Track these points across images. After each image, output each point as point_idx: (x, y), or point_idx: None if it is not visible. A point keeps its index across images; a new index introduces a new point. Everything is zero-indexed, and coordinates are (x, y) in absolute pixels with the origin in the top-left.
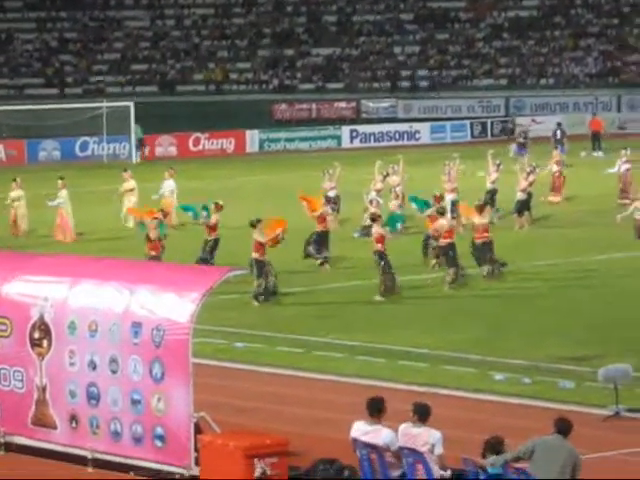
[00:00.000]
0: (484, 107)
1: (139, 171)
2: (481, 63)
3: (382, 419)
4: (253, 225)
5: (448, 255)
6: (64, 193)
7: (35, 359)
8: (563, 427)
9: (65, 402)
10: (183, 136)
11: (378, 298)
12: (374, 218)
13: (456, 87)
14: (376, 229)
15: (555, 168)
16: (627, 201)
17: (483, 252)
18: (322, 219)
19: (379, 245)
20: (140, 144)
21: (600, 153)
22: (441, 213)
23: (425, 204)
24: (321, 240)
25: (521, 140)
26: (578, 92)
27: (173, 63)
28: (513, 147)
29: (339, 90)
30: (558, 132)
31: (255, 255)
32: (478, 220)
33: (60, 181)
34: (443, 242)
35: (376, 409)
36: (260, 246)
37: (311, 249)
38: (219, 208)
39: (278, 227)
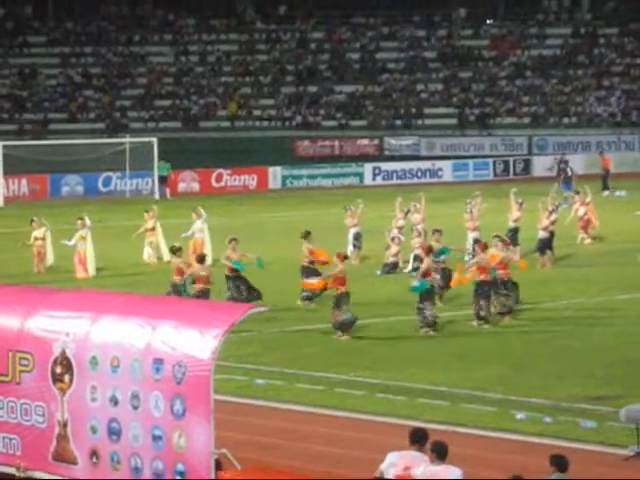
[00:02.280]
0: (507, 145)
1: (163, 208)
2: (504, 101)
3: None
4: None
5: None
6: (83, 232)
7: (57, 394)
8: (561, 464)
9: (86, 437)
10: (206, 172)
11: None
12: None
13: (479, 125)
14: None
15: (582, 211)
16: None
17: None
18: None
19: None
20: (165, 181)
21: (623, 193)
22: (486, 247)
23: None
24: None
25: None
26: (601, 131)
27: (196, 99)
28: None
29: (362, 127)
30: (568, 169)
31: (341, 289)
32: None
33: (79, 221)
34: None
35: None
36: (341, 279)
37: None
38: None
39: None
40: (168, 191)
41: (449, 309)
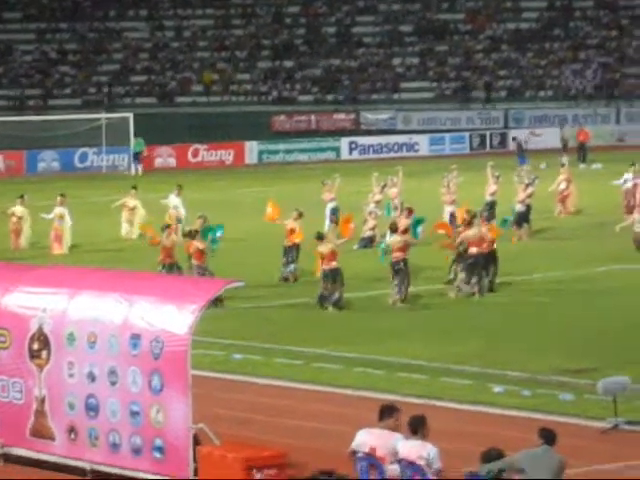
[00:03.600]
0: (483, 119)
1: (139, 183)
2: (480, 75)
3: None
4: (320, 238)
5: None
6: (60, 209)
7: (34, 370)
8: (549, 437)
9: (64, 413)
10: (182, 147)
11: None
12: (394, 229)
13: (455, 99)
14: (399, 238)
15: (563, 186)
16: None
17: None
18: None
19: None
20: (139, 157)
21: (599, 165)
22: (469, 223)
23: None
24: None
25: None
26: (577, 104)
27: (172, 74)
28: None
29: (338, 102)
30: (523, 143)
31: (332, 264)
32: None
33: (59, 197)
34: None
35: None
36: (333, 255)
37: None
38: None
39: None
40: (140, 167)
41: (426, 283)
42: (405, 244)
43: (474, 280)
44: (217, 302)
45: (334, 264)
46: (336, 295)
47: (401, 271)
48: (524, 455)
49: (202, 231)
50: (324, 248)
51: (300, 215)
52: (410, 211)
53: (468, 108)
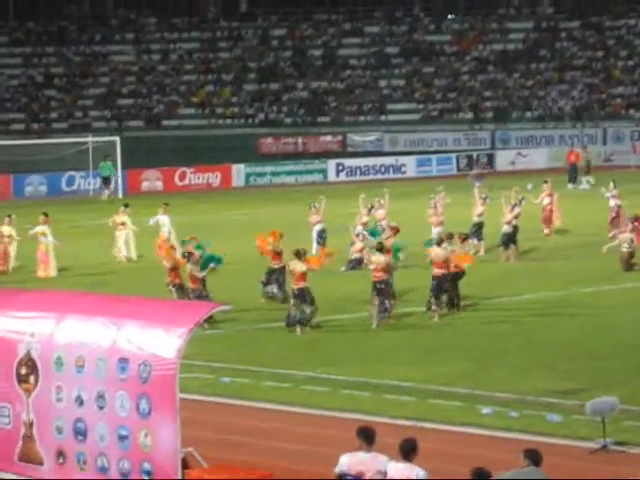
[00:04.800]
0: (470, 140)
1: (108, 209)
2: (466, 96)
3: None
4: (298, 255)
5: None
6: (42, 227)
7: (22, 395)
8: (535, 458)
9: (52, 438)
10: (169, 171)
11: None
12: (380, 248)
13: (442, 120)
14: (383, 259)
15: (547, 201)
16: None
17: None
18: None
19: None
20: (108, 181)
21: (587, 186)
22: (438, 244)
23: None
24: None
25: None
26: (564, 125)
27: (159, 97)
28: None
29: (325, 124)
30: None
31: (300, 284)
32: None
33: (42, 217)
34: (435, 272)
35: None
36: (304, 275)
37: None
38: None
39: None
40: (108, 192)
41: (412, 305)
42: (387, 265)
43: (443, 299)
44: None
45: (302, 284)
46: (305, 313)
47: (382, 291)
48: (512, 475)
49: (205, 260)
50: (297, 267)
51: (280, 236)
52: (396, 230)
53: (455, 129)
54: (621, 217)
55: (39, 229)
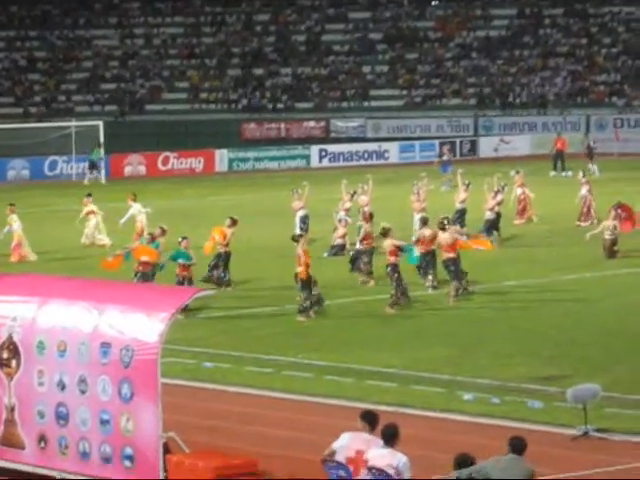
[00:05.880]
0: (453, 127)
1: (103, 192)
2: (450, 83)
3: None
4: (296, 240)
5: (450, 269)
6: (14, 218)
7: (3, 379)
8: (517, 446)
9: (34, 422)
10: (152, 155)
11: (389, 310)
12: (385, 232)
13: (425, 107)
14: (389, 242)
15: (519, 191)
16: (584, 224)
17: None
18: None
19: (392, 258)
20: (96, 165)
21: (570, 173)
22: (442, 228)
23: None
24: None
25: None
26: (547, 112)
27: (142, 82)
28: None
29: (308, 110)
30: (445, 153)
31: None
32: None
33: (9, 206)
34: (446, 256)
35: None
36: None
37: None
38: (163, 232)
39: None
40: (94, 175)
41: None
42: (395, 247)
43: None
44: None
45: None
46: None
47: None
48: (493, 462)
49: (175, 254)
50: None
51: (234, 222)
52: (371, 216)
53: (438, 116)
54: (588, 206)
55: (10, 222)
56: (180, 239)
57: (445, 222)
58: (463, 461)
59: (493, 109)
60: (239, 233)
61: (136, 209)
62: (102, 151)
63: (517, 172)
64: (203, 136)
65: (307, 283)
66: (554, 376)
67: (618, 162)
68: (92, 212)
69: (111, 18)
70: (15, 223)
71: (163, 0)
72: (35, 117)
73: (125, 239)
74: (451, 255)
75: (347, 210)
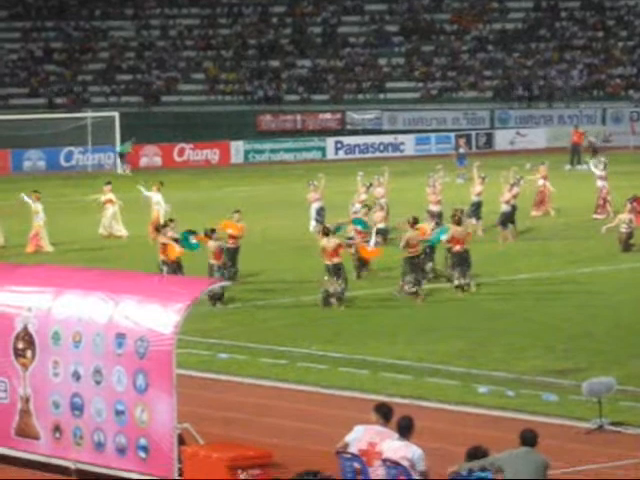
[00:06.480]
0: (469, 119)
1: (119, 182)
2: (466, 75)
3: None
4: (327, 234)
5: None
6: (39, 207)
7: (19, 369)
8: (529, 438)
9: (49, 413)
10: (168, 147)
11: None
12: (414, 222)
13: (441, 99)
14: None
15: (540, 182)
16: (600, 217)
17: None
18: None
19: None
20: (124, 157)
21: (584, 166)
22: (457, 222)
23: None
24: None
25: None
26: (563, 105)
27: (158, 73)
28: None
29: (324, 101)
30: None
31: (335, 260)
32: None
33: (35, 194)
34: (456, 249)
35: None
36: (337, 250)
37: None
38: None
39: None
40: (127, 167)
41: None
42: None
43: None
44: (216, 300)
45: (337, 259)
46: (337, 289)
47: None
48: (507, 455)
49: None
50: (330, 243)
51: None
52: (415, 221)
53: (454, 108)
54: (604, 198)
55: (34, 208)
56: None
57: (459, 215)
58: (475, 453)
59: (509, 102)
60: (255, 225)
61: (157, 199)
62: (131, 145)
63: (542, 163)
64: (219, 128)
65: (414, 266)
66: (569, 369)
67: (634, 155)
68: (110, 201)
69: (127, 9)
70: (40, 213)
71: None
72: (62, 108)
73: (141, 230)
74: (462, 247)
75: (362, 202)
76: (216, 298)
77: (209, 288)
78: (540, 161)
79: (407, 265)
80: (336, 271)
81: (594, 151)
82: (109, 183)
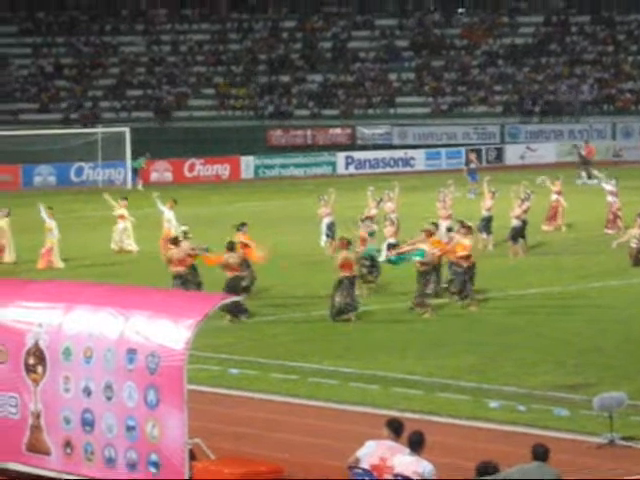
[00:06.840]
0: (479, 134)
1: (131, 198)
2: (476, 90)
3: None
4: (343, 245)
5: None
6: (53, 224)
7: (30, 385)
8: (541, 453)
9: (60, 428)
10: (178, 162)
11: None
12: (431, 233)
13: (451, 114)
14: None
15: (554, 197)
16: (611, 232)
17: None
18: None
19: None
20: (137, 172)
21: (595, 181)
22: (430, 235)
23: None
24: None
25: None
26: (573, 119)
27: (169, 89)
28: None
29: (334, 116)
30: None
31: (347, 273)
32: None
33: (48, 210)
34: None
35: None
36: (350, 264)
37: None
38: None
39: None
40: (139, 182)
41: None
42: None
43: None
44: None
45: (349, 272)
46: (354, 300)
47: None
48: (518, 470)
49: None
50: (342, 256)
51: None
52: (431, 233)
53: (464, 123)
54: (614, 213)
55: (47, 225)
56: None
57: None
58: (485, 469)
59: (520, 116)
60: (265, 240)
61: (169, 216)
62: (145, 160)
63: (557, 178)
64: (229, 143)
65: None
66: (580, 384)
67: None
68: (122, 217)
69: (138, 25)
70: (54, 230)
71: (190, 7)
72: (78, 124)
73: (152, 246)
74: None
75: (372, 217)
76: (242, 311)
77: (220, 304)
78: (555, 176)
79: (418, 277)
80: (348, 284)
81: (585, 163)
82: (125, 199)
